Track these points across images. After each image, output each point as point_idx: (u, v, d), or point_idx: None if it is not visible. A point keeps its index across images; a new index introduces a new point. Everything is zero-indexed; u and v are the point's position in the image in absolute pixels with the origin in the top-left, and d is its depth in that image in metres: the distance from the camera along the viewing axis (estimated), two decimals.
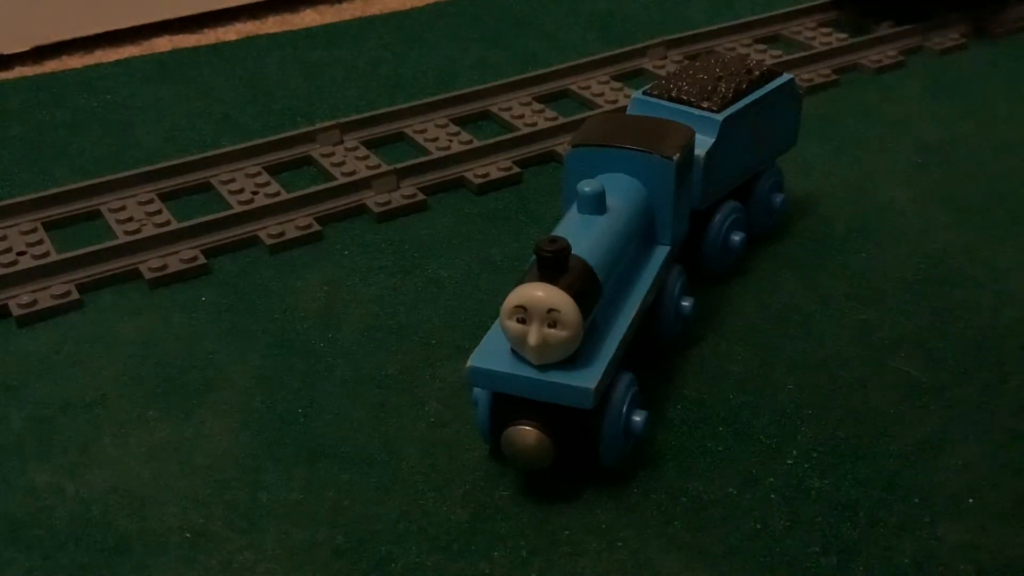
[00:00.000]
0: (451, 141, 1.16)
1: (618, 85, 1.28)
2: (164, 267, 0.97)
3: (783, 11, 1.44)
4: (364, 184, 1.08)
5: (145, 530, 0.74)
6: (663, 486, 0.77)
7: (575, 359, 0.73)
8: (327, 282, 0.97)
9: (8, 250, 0.99)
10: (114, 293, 0.97)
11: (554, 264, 0.73)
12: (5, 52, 1.41)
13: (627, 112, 0.96)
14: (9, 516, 0.75)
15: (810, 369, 0.87)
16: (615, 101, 1.24)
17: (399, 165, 1.11)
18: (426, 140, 1.17)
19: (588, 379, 0.72)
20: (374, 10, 1.57)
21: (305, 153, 1.15)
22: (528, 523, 0.74)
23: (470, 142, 1.15)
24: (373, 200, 1.07)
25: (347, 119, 1.19)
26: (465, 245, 1.02)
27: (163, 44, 1.47)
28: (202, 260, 0.99)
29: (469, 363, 0.74)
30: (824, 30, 1.41)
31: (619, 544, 0.72)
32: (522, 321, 0.72)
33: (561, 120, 1.19)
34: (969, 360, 0.88)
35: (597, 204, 0.81)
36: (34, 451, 0.80)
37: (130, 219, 1.03)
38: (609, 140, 0.86)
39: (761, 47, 1.37)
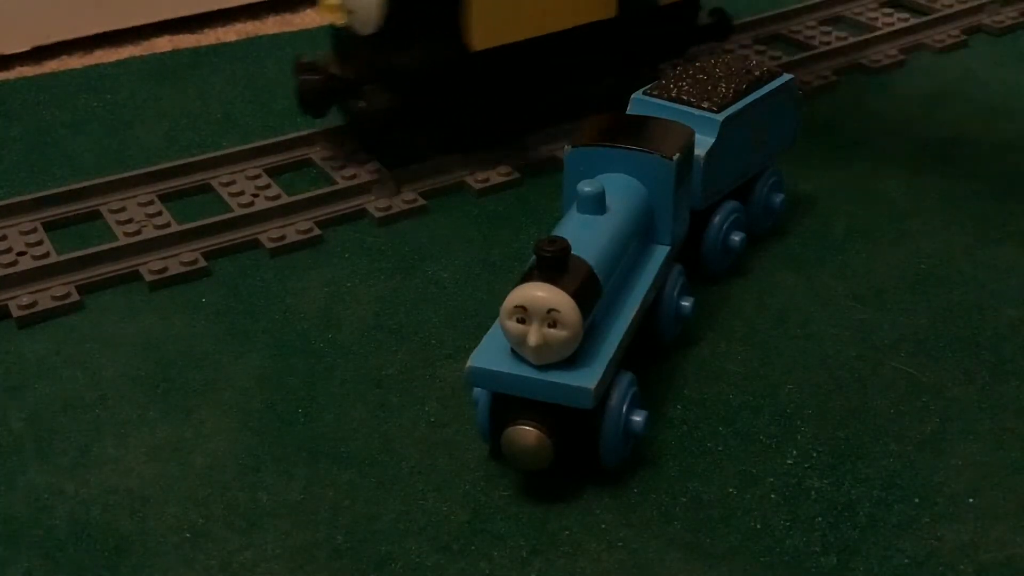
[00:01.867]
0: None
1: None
2: (164, 269, 0.97)
3: (782, 10, 1.44)
4: (365, 188, 1.08)
5: (145, 530, 0.74)
6: (663, 486, 0.77)
7: (575, 359, 0.73)
8: (327, 283, 0.97)
9: (8, 250, 0.99)
10: (114, 295, 0.97)
11: (554, 264, 0.73)
12: (5, 52, 1.41)
13: (627, 112, 0.96)
14: (9, 516, 0.75)
15: (810, 369, 0.87)
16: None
17: (400, 169, 1.10)
18: None
19: (588, 379, 0.72)
20: None
21: (305, 155, 1.15)
22: (528, 523, 0.74)
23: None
24: (374, 204, 1.06)
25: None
26: (465, 246, 1.02)
27: (163, 44, 1.47)
28: (202, 263, 0.99)
29: (469, 363, 0.74)
30: (824, 28, 1.41)
31: (619, 544, 0.72)
32: (522, 321, 0.72)
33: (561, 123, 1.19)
34: (969, 360, 0.88)
35: (597, 204, 0.81)
36: (34, 451, 0.80)
37: (130, 220, 1.03)
38: (609, 140, 0.86)
39: (761, 47, 1.37)
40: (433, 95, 1.08)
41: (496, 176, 1.11)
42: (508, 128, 1.15)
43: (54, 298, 0.94)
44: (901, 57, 1.35)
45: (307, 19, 1.56)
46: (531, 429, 0.73)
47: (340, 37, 1.10)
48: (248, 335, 0.91)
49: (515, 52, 1.08)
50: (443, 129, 1.12)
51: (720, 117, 0.92)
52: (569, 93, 1.17)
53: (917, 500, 0.75)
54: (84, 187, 1.07)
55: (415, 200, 1.07)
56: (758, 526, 0.74)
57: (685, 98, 0.95)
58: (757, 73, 0.98)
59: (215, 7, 1.53)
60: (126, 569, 0.71)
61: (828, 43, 1.37)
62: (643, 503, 0.75)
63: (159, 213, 1.04)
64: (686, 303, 0.87)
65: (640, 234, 0.84)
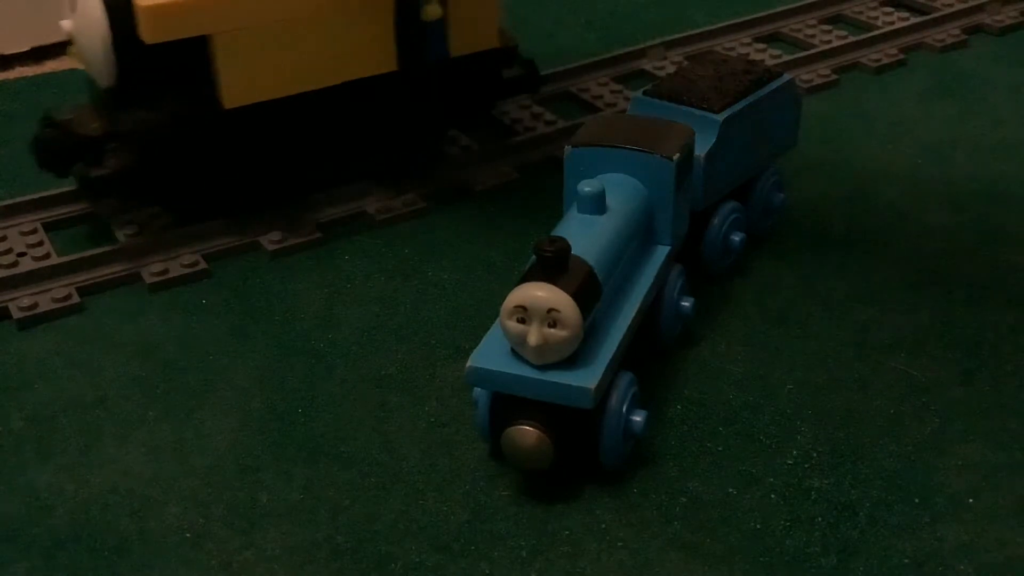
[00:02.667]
0: (451, 146, 1.16)
1: (617, 87, 1.28)
2: (165, 271, 0.97)
3: (782, 9, 1.44)
4: (365, 191, 1.08)
5: (145, 530, 0.74)
6: (663, 486, 0.77)
7: (575, 359, 0.74)
8: (327, 284, 0.98)
9: (8, 251, 0.99)
10: (115, 297, 0.97)
11: (554, 264, 0.73)
12: (5, 52, 1.41)
13: (627, 112, 0.96)
14: (9, 516, 0.75)
15: (810, 369, 0.87)
16: (615, 104, 1.24)
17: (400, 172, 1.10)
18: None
19: (588, 379, 0.72)
20: None
21: None
22: (528, 523, 0.74)
23: (469, 147, 1.15)
24: (374, 207, 1.06)
25: None
26: (466, 247, 1.02)
27: None
28: (203, 265, 0.99)
29: (469, 363, 0.74)
30: (824, 27, 1.41)
31: (619, 544, 0.72)
32: (522, 321, 0.72)
33: (561, 124, 1.19)
34: (969, 360, 0.88)
35: (597, 204, 0.81)
36: (34, 451, 0.80)
37: (131, 222, 1.03)
38: (609, 140, 0.86)
39: (761, 46, 1.37)
40: (183, 156, 0.98)
41: (496, 177, 1.11)
42: (277, 191, 1.04)
43: (55, 300, 0.94)
44: (901, 56, 1.34)
45: None
46: (531, 429, 0.73)
47: (93, 88, 1.00)
48: (248, 335, 0.91)
49: (279, 109, 0.98)
50: (199, 194, 1.01)
51: (720, 117, 0.92)
52: (352, 153, 1.07)
53: (917, 500, 0.75)
54: None
55: (415, 202, 1.07)
56: (758, 526, 0.74)
57: (685, 98, 0.95)
58: (757, 73, 0.98)
59: None
60: (126, 569, 0.71)
61: (828, 42, 1.37)
62: (643, 503, 0.75)
63: (159, 215, 1.04)
64: (686, 303, 0.87)
65: (640, 234, 0.84)
